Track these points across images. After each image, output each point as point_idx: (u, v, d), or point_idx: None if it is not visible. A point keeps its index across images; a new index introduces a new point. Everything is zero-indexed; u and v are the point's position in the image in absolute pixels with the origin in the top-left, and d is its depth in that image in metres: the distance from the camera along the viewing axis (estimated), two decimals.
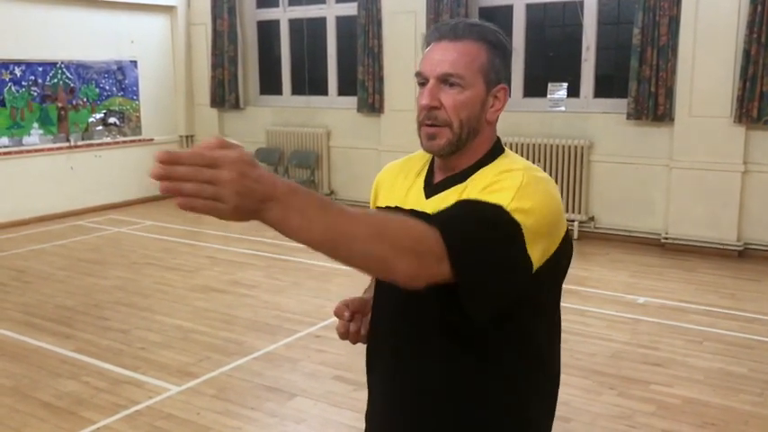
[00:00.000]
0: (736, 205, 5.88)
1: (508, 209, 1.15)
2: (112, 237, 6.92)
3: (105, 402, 3.39)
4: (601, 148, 6.45)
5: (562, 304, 1.39)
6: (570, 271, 1.33)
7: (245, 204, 0.88)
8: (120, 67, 8.32)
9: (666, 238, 6.21)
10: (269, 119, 8.49)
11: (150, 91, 8.66)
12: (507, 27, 6.72)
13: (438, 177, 1.34)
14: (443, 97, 1.26)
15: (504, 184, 1.20)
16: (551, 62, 7.05)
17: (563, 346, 1.41)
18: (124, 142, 8.42)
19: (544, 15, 7.02)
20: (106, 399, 3.43)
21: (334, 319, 1.42)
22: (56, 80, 7.68)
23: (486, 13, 7.00)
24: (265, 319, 4.53)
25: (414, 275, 1.06)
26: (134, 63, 8.45)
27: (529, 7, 6.85)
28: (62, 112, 7.78)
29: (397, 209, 1.34)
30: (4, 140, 7.29)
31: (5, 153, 7.28)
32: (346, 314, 1.38)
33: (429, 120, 1.28)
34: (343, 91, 8.09)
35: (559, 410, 1.43)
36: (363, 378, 1.50)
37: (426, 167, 1.38)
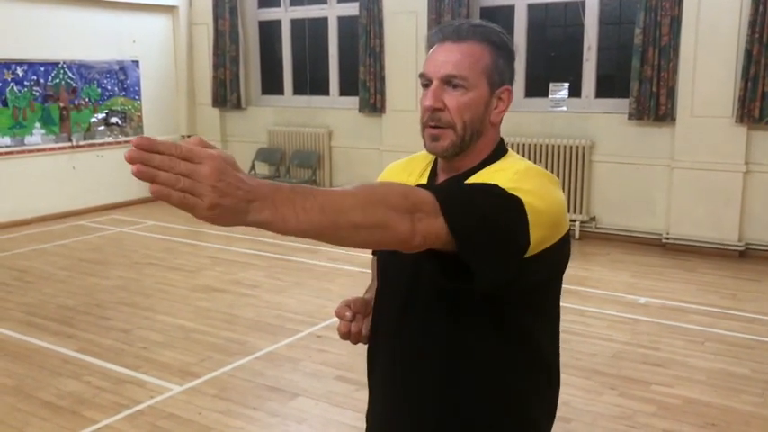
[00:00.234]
0: (738, 205, 5.88)
1: (505, 187, 1.14)
2: (114, 237, 6.93)
3: (107, 402, 3.40)
4: (602, 149, 6.45)
5: (562, 304, 1.40)
6: (571, 271, 1.34)
7: (226, 203, 0.85)
8: (122, 67, 8.33)
9: (667, 239, 6.21)
10: (270, 119, 8.50)
11: (152, 91, 8.67)
12: (509, 27, 6.72)
13: (441, 178, 1.35)
14: (447, 99, 1.26)
15: (502, 172, 1.21)
16: (553, 62, 7.05)
17: (563, 346, 1.42)
18: (126, 142, 8.42)
19: (546, 15, 7.02)
20: (108, 398, 3.44)
21: (336, 320, 1.42)
22: (58, 80, 7.69)
23: (488, 13, 7.00)
24: (267, 319, 4.54)
25: (412, 232, 1.02)
26: (136, 63, 8.46)
27: (530, 7, 6.85)
28: (64, 112, 7.79)
29: None
30: (7, 140, 7.30)
31: (8, 153, 7.30)
32: (348, 314, 1.39)
33: (432, 121, 1.28)
34: (344, 91, 8.09)
35: (560, 411, 1.43)
36: (365, 378, 1.51)
37: (429, 168, 1.39)
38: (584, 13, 6.52)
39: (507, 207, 1.12)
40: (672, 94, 6.02)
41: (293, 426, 3.21)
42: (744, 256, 5.90)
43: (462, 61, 1.25)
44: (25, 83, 7.41)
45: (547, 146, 6.56)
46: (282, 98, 8.59)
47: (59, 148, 7.75)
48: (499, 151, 1.33)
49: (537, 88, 6.77)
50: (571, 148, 6.49)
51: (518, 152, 6.86)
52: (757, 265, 5.70)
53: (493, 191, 1.14)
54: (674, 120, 6.06)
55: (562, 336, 1.41)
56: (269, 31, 8.71)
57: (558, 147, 6.52)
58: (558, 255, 1.25)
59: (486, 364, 1.28)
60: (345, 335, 1.40)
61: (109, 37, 8.11)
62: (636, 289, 5.09)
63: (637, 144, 6.30)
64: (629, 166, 6.35)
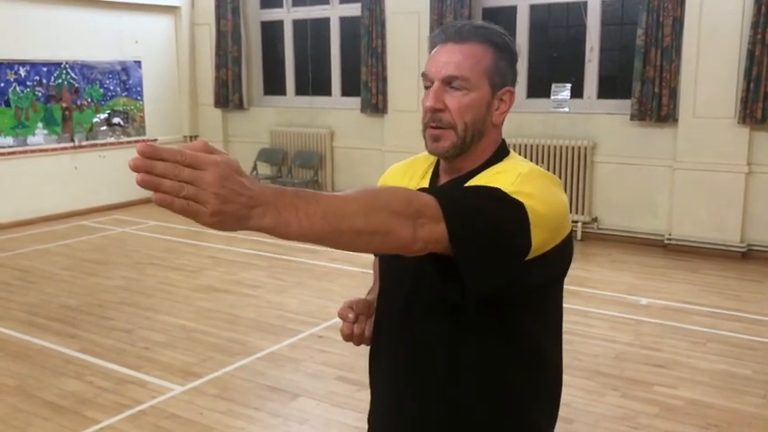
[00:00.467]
0: (740, 206, 5.87)
1: (507, 191, 1.15)
2: (116, 237, 6.94)
3: (109, 402, 3.40)
4: (604, 149, 6.45)
5: (564, 305, 1.40)
6: (573, 272, 1.34)
7: (229, 210, 0.85)
8: (125, 68, 8.34)
9: (670, 239, 6.20)
10: (273, 119, 8.50)
11: (154, 91, 8.67)
12: (511, 28, 6.71)
13: (443, 180, 1.35)
14: (448, 100, 1.26)
15: (504, 174, 1.21)
16: (555, 63, 7.05)
17: (566, 347, 1.41)
18: (128, 142, 8.44)
19: (548, 16, 7.01)
20: (110, 398, 3.44)
21: (338, 320, 1.42)
22: (60, 80, 7.70)
23: (490, 13, 7.00)
24: (268, 320, 4.54)
25: (413, 238, 1.02)
26: (138, 63, 8.47)
27: (533, 8, 6.85)
28: (66, 113, 7.80)
29: None
30: (9, 140, 7.31)
31: (10, 153, 7.31)
32: (350, 316, 1.38)
33: (434, 122, 1.28)
34: (346, 91, 8.09)
35: (562, 411, 1.43)
36: (366, 379, 1.50)
37: (431, 169, 1.39)
38: (586, 14, 6.52)
39: (509, 212, 1.12)
40: (674, 94, 6.01)
41: (294, 426, 3.21)
42: (746, 257, 5.89)
43: (464, 62, 1.25)
44: (28, 83, 7.42)
45: (549, 146, 6.56)
46: (284, 98, 8.60)
47: (62, 149, 7.76)
48: (501, 152, 1.33)
49: (539, 89, 6.77)
50: (573, 148, 6.48)
51: (520, 153, 6.86)
52: (760, 266, 5.69)
53: (495, 195, 1.14)
54: (676, 120, 6.05)
55: (564, 337, 1.40)
56: (271, 32, 8.71)
57: (561, 147, 6.52)
58: (559, 257, 1.25)
59: (487, 365, 1.28)
60: (348, 336, 1.40)
61: (111, 37, 8.12)
62: (638, 290, 5.08)
63: (639, 145, 6.29)
64: (631, 166, 6.34)
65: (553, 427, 1.39)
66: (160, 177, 0.83)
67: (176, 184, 0.83)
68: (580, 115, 6.56)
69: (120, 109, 8.34)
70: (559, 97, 6.64)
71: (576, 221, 6.46)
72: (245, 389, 3.56)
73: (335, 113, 8.06)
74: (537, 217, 1.14)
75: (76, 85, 7.86)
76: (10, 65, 7.25)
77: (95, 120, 8.09)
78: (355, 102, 7.80)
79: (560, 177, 6.42)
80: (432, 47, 1.32)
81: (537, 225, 1.14)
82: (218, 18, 8.51)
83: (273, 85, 8.74)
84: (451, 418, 1.30)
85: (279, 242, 6.13)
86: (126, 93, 8.38)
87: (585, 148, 6.44)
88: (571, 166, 6.50)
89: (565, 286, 1.38)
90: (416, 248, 1.04)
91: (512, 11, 6.88)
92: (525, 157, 1.39)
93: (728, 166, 5.86)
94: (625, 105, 6.33)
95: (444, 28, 1.31)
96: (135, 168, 0.83)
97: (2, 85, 7.21)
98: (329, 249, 6.27)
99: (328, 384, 3.59)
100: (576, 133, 6.53)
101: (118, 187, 8.25)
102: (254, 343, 4.15)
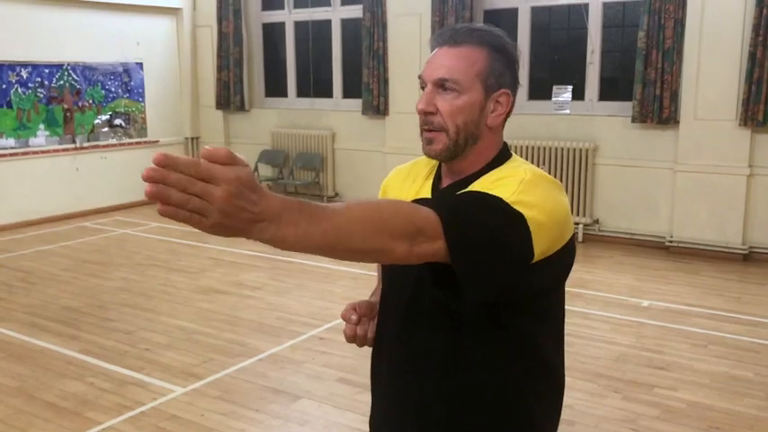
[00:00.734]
0: (742, 209, 5.86)
1: (508, 201, 1.15)
2: (117, 238, 6.94)
3: (110, 403, 3.40)
4: (605, 151, 6.45)
5: (566, 307, 1.40)
6: (574, 274, 1.34)
7: (230, 224, 0.86)
8: (126, 69, 8.35)
9: (671, 242, 6.20)
10: (274, 121, 8.51)
11: (156, 93, 8.68)
12: (512, 30, 6.72)
13: (445, 182, 1.35)
14: (440, 102, 1.27)
15: (506, 181, 1.20)
16: (556, 65, 7.05)
17: (567, 349, 1.41)
18: (129, 144, 8.44)
19: (549, 18, 7.02)
20: (111, 400, 3.44)
21: (339, 321, 1.43)
22: (62, 82, 7.71)
23: (491, 15, 7.00)
24: (269, 321, 4.54)
25: (408, 253, 1.05)
26: (140, 65, 8.48)
27: (534, 10, 6.85)
28: (68, 114, 7.81)
29: None
30: (11, 142, 7.32)
31: (12, 154, 7.31)
32: (353, 317, 1.38)
33: (426, 125, 1.29)
34: (347, 93, 8.10)
35: (563, 414, 1.43)
36: (367, 380, 1.51)
37: (434, 172, 1.39)
38: (587, 16, 6.52)
39: (510, 225, 1.13)
40: (675, 97, 6.01)
41: (296, 428, 3.21)
42: (747, 259, 5.89)
43: (455, 65, 1.26)
44: (29, 84, 7.43)
45: (550, 148, 6.56)
46: (286, 100, 8.60)
47: (63, 150, 7.77)
48: (503, 156, 1.33)
49: (540, 91, 6.77)
50: (574, 150, 6.48)
51: (521, 155, 6.85)
52: (761, 268, 5.69)
53: (496, 206, 1.14)
54: (677, 123, 6.05)
55: (566, 339, 1.40)
56: (272, 34, 8.72)
57: (562, 149, 6.52)
58: (560, 261, 1.26)
59: (488, 369, 1.28)
60: (351, 338, 1.40)
61: (113, 39, 8.13)
62: (639, 292, 5.08)
63: (640, 147, 6.29)
64: (632, 168, 6.34)
65: (555, 430, 1.39)
66: (171, 187, 0.82)
67: (184, 196, 0.83)
68: (581, 117, 6.56)
69: (122, 110, 8.35)
70: (561, 99, 6.64)
71: (578, 223, 6.45)
72: (246, 390, 3.56)
73: (337, 115, 8.07)
74: (538, 227, 1.15)
75: (78, 86, 7.87)
76: (12, 66, 7.26)
77: (97, 121, 8.10)
78: (356, 104, 7.80)
79: (561, 179, 6.42)
80: (431, 50, 1.33)
81: (538, 235, 1.15)
82: (220, 20, 8.52)
83: (275, 87, 8.75)
84: (453, 420, 1.30)
85: None
86: (127, 94, 8.39)
87: (587, 150, 6.44)
88: (572, 168, 6.50)
89: (566, 288, 1.37)
90: (411, 261, 1.07)
91: (513, 13, 6.88)
92: (526, 159, 1.39)
93: (730, 168, 5.86)
94: (626, 107, 6.33)
95: (442, 31, 1.31)
96: (148, 179, 0.82)
97: (4, 86, 7.22)
98: None
99: (329, 386, 3.59)
100: (577, 135, 6.53)
101: (119, 188, 8.26)
102: (255, 344, 4.15)
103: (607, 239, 6.51)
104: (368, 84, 7.53)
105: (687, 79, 5.95)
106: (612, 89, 6.66)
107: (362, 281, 5.01)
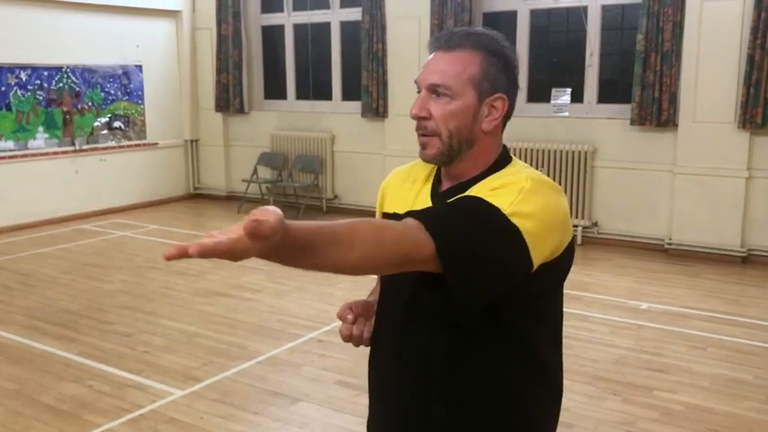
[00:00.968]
0: (740, 211, 5.87)
1: (506, 212, 1.16)
2: (117, 240, 6.94)
3: (109, 406, 3.40)
4: (604, 154, 6.45)
5: (565, 310, 1.40)
6: (573, 276, 1.34)
7: (234, 259, 0.93)
8: (126, 72, 8.35)
9: (670, 244, 6.20)
10: (273, 123, 8.51)
11: (155, 95, 8.69)
12: (511, 32, 6.73)
13: (445, 185, 1.35)
14: (432, 107, 1.28)
15: (506, 189, 1.20)
16: (555, 67, 7.06)
17: (566, 351, 1.42)
18: (129, 146, 8.45)
19: (548, 21, 7.03)
20: (110, 402, 3.44)
21: (338, 324, 1.43)
22: (61, 84, 7.72)
23: (490, 18, 7.01)
24: (269, 324, 4.54)
25: (397, 269, 1.13)
26: (139, 67, 8.49)
27: (533, 13, 6.86)
28: (67, 116, 7.81)
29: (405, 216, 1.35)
30: (10, 144, 7.32)
31: (11, 157, 7.31)
32: (350, 317, 1.39)
33: (419, 129, 1.30)
34: (347, 96, 8.11)
35: (562, 416, 1.43)
36: (366, 383, 1.50)
37: (433, 174, 1.39)
38: (586, 19, 6.53)
39: (505, 241, 1.15)
40: (674, 99, 6.02)
41: (294, 430, 3.21)
42: (746, 261, 5.89)
43: (448, 70, 1.26)
44: (29, 87, 7.43)
45: (549, 151, 6.56)
46: (285, 103, 8.61)
47: (62, 152, 7.77)
48: (503, 160, 1.33)
49: (539, 93, 6.78)
50: (573, 153, 6.49)
51: (520, 158, 6.85)
52: (760, 270, 5.69)
53: (492, 221, 1.15)
54: (676, 125, 6.06)
55: (564, 341, 1.41)
56: (272, 36, 8.73)
57: (561, 152, 6.53)
58: (560, 265, 1.27)
59: (488, 370, 1.28)
60: (347, 337, 1.40)
61: (112, 41, 8.13)
62: (638, 294, 5.08)
63: (639, 149, 6.30)
64: (631, 171, 6.35)
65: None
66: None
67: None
68: (580, 120, 6.57)
69: (121, 113, 8.36)
70: (560, 102, 6.64)
71: (577, 226, 6.46)
72: (246, 393, 3.56)
73: (336, 118, 8.07)
74: (536, 238, 1.17)
75: (77, 89, 7.88)
76: (11, 69, 7.27)
77: (96, 124, 8.10)
78: (356, 106, 7.81)
79: (560, 182, 6.43)
80: (429, 53, 1.34)
81: (536, 245, 1.17)
82: (219, 22, 8.52)
83: (274, 90, 8.75)
84: (452, 421, 1.30)
85: None
86: (127, 97, 8.40)
87: (586, 153, 6.45)
88: (571, 170, 6.51)
89: (565, 291, 1.38)
90: (400, 272, 1.13)
91: (512, 16, 6.89)
92: (525, 162, 1.39)
93: (729, 170, 5.86)
94: (625, 110, 6.34)
95: (439, 35, 1.32)
96: (171, 259, 0.89)
97: (3, 88, 7.22)
98: None
99: (328, 389, 3.59)
100: (576, 138, 6.53)
101: (118, 191, 8.27)
102: (255, 347, 4.15)
103: (606, 242, 6.51)
104: (367, 86, 7.54)
105: (686, 82, 5.96)
106: (611, 92, 6.67)
107: (362, 284, 4.99)
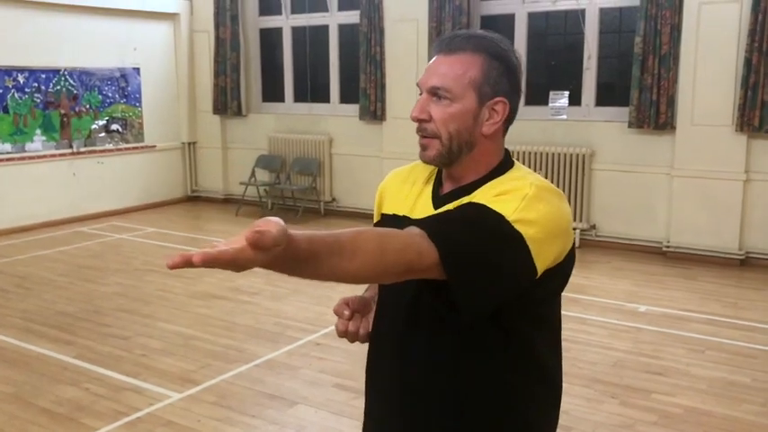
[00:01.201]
0: (738, 214, 5.88)
1: (510, 219, 1.16)
2: (114, 243, 6.93)
3: (106, 409, 3.39)
4: (602, 157, 6.46)
5: (563, 313, 1.40)
6: (572, 279, 1.34)
7: (236, 270, 0.92)
8: (123, 74, 8.35)
9: (668, 247, 6.20)
10: (271, 126, 8.51)
11: (153, 98, 8.68)
12: (509, 35, 6.73)
13: (446, 187, 1.35)
14: (433, 110, 1.28)
15: (510, 196, 1.20)
16: (553, 70, 7.07)
17: (564, 354, 1.41)
18: (126, 149, 8.44)
19: (546, 24, 7.03)
20: (107, 405, 3.43)
21: (335, 327, 1.42)
22: (59, 87, 7.71)
23: (488, 21, 7.02)
24: (266, 327, 4.53)
25: (398, 279, 1.12)
26: (137, 70, 8.48)
27: (531, 16, 6.87)
28: (65, 119, 7.80)
29: (405, 219, 1.35)
30: (7, 147, 7.30)
31: (8, 159, 7.30)
32: (346, 313, 1.38)
33: (420, 131, 1.30)
34: (345, 98, 8.11)
35: (560, 419, 1.43)
36: (363, 386, 1.50)
37: (434, 176, 1.39)
38: (584, 22, 6.54)
39: (509, 249, 1.15)
40: (672, 102, 6.03)
41: None
42: (744, 264, 5.90)
43: (448, 73, 1.26)
44: (26, 90, 7.42)
45: (547, 154, 6.57)
46: (283, 105, 8.61)
47: (60, 155, 7.76)
48: (505, 164, 1.33)
49: (537, 96, 6.78)
50: (571, 156, 6.49)
51: (518, 160, 6.85)
52: (758, 273, 5.70)
53: (495, 229, 1.15)
54: (674, 128, 6.07)
55: (563, 344, 1.40)
56: (270, 39, 8.73)
57: (559, 155, 6.53)
58: (562, 272, 1.27)
59: (489, 372, 1.28)
60: (343, 333, 1.39)
61: (110, 44, 8.13)
62: (637, 297, 5.08)
63: (637, 152, 6.30)
64: (629, 174, 6.35)
65: None
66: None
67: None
68: (578, 123, 6.57)
69: (119, 115, 8.35)
70: (557, 105, 6.65)
71: (575, 229, 6.45)
72: (243, 396, 3.54)
73: (334, 120, 8.07)
74: (540, 245, 1.17)
75: (75, 91, 7.87)
76: (8, 71, 7.26)
77: (94, 126, 8.09)
78: (354, 109, 7.81)
79: (558, 185, 6.43)
80: (430, 57, 1.34)
81: (539, 253, 1.17)
82: (217, 25, 8.52)
83: (272, 92, 8.75)
84: (452, 425, 1.29)
85: None
86: (124, 99, 8.39)
87: (583, 156, 6.45)
88: (569, 173, 6.51)
89: (563, 294, 1.38)
90: (405, 279, 1.13)
91: (510, 19, 6.89)
92: (524, 164, 1.39)
93: (726, 173, 5.87)
94: (623, 113, 6.34)
95: (441, 38, 1.32)
96: (174, 268, 0.88)
97: (0, 91, 7.21)
98: None
99: (326, 392, 3.58)
100: (574, 141, 6.54)
101: (116, 194, 8.26)
102: (252, 350, 4.14)
103: (604, 245, 6.51)
104: (365, 89, 7.54)
105: (683, 85, 5.96)
106: (609, 94, 6.68)
107: (361, 286, 5.00)
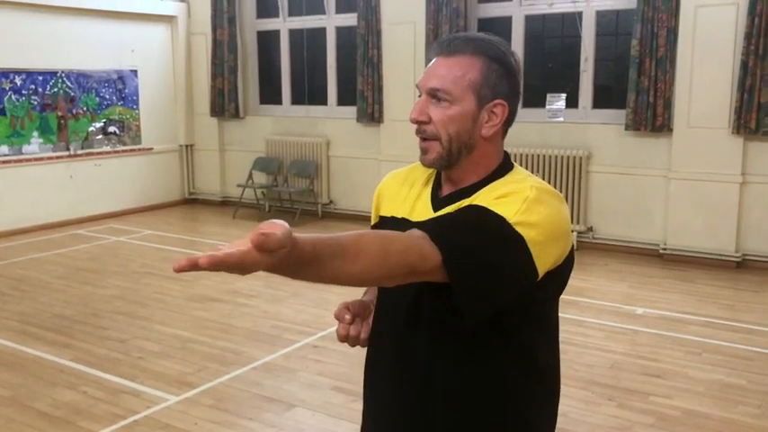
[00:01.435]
0: (735, 216, 5.89)
1: (511, 221, 1.16)
2: (111, 246, 6.92)
3: (103, 412, 3.38)
4: (599, 159, 6.47)
5: (561, 315, 1.40)
6: (569, 281, 1.34)
7: (242, 272, 0.92)
8: (121, 77, 8.34)
9: (665, 249, 6.21)
10: (269, 128, 8.51)
11: (150, 100, 8.67)
12: (506, 38, 6.73)
13: (445, 189, 1.35)
14: (432, 112, 1.28)
15: (511, 198, 1.21)
16: (550, 73, 7.08)
17: (562, 357, 1.42)
18: (124, 151, 8.43)
19: (543, 26, 7.05)
20: (104, 408, 3.42)
21: (333, 330, 1.42)
22: (56, 89, 7.70)
23: (486, 23, 7.03)
24: (264, 329, 4.53)
25: (402, 282, 1.12)
26: (134, 72, 8.48)
27: (528, 18, 6.88)
28: (62, 121, 7.79)
29: (404, 221, 1.35)
30: (4, 149, 7.29)
31: (5, 162, 7.29)
32: (347, 317, 1.38)
33: (419, 134, 1.30)
34: (342, 101, 8.11)
35: (558, 422, 1.43)
36: (362, 389, 1.50)
37: (433, 178, 1.39)
38: (581, 25, 6.56)
39: (511, 251, 1.16)
40: (669, 104, 6.04)
41: None
42: (741, 266, 5.91)
43: (447, 75, 1.26)
44: (23, 92, 7.42)
45: (544, 156, 6.58)
46: (281, 108, 8.61)
47: (57, 157, 7.75)
48: (505, 167, 1.33)
49: (534, 99, 6.79)
50: (568, 158, 6.50)
51: (515, 162, 6.84)
52: (755, 275, 5.71)
53: (497, 231, 1.16)
54: (670, 130, 6.08)
55: (560, 346, 1.41)
56: (267, 41, 8.73)
57: (556, 157, 6.54)
58: (561, 274, 1.28)
59: (489, 374, 1.28)
60: (344, 337, 1.39)
61: (108, 46, 8.12)
62: (634, 300, 5.09)
63: (634, 154, 6.31)
64: (626, 176, 6.36)
65: None
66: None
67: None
68: (575, 125, 6.58)
69: (116, 118, 8.34)
70: (554, 107, 6.66)
71: (572, 231, 6.44)
72: (240, 399, 3.54)
73: (331, 123, 8.07)
74: (541, 247, 1.17)
75: (72, 93, 7.86)
76: (6, 73, 7.25)
77: (91, 129, 8.08)
78: (351, 111, 7.81)
79: (556, 187, 6.36)
80: (428, 60, 1.34)
81: (540, 255, 1.18)
82: (215, 27, 8.52)
83: (269, 95, 8.75)
84: (449, 423, 1.30)
85: None
86: (122, 102, 8.38)
87: (581, 158, 6.46)
88: (566, 175, 6.52)
89: (561, 296, 1.38)
90: (407, 282, 1.13)
91: (507, 21, 6.91)
92: (520, 166, 1.39)
93: (723, 175, 5.88)
94: (620, 115, 6.36)
95: (441, 40, 1.32)
96: (180, 270, 0.87)
97: None
98: None
99: (324, 395, 3.58)
100: (571, 143, 6.55)
101: (113, 196, 8.25)
102: (250, 353, 4.13)
103: (601, 247, 6.52)
104: (362, 91, 7.54)
105: (680, 87, 5.98)
106: (606, 97, 6.69)
107: (359, 289, 5.00)
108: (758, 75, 5.58)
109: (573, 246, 1.31)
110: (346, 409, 3.39)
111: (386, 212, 1.44)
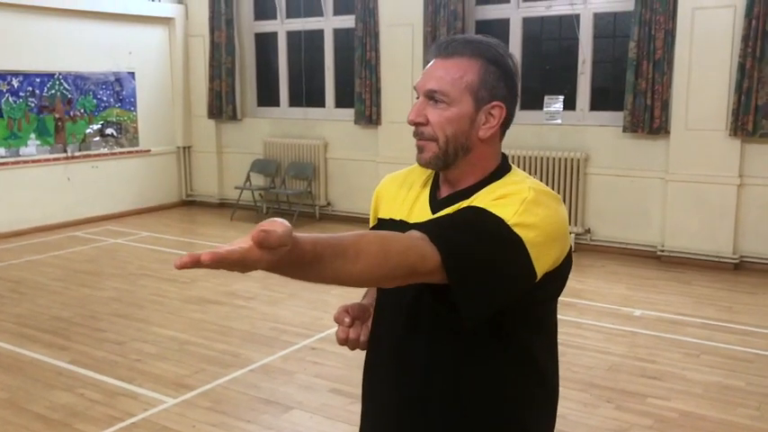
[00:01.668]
0: (732, 218, 5.89)
1: (509, 223, 1.16)
2: (109, 248, 6.90)
3: (100, 414, 3.37)
4: (597, 161, 6.47)
5: (559, 317, 1.40)
6: (567, 283, 1.34)
7: (243, 270, 0.92)
8: (118, 79, 8.33)
9: (663, 251, 6.22)
10: (266, 130, 8.51)
11: (148, 102, 8.67)
12: (504, 40, 6.74)
13: (443, 191, 1.35)
14: (430, 113, 1.28)
15: (509, 199, 1.21)
16: (547, 75, 7.09)
17: (560, 359, 1.42)
18: (121, 153, 8.42)
19: (541, 29, 7.06)
20: (101, 411, 3.41)
21: (331, 332, 1.42)
22: (53, 91, 7.69)
23: (483, 26, 7.04)
24: (262, 331, 4.52)
25: (402, 283, 1.12)
26: (132, 74, 8.47)
27: (525, 21, 6.89)
28: (59, 123, 7.78)
29: (403, 223, 1.35)
30: (1, 151, 7.28)
31: (2, 164, 7.28)
32: (347, 320, 1.38)
33: (417, 135, 1.31)
34: (340, 103, 8.11)
35: (557, 424, 1.43)
36: (360, 391, 1.49)
37: (431, 180, 1.39)
38: (578, 27, 6.57)
39: (509, 252, 1.16)
40: (666, 107, 6.05)
41: None
42: (739, 268, 5.91)
43: (445, 77, 1.27)
44: (21, 94, 7.41)
45: (542, 158, 6.58)
46: (278, 110, 8.60)
47: (54, 159, 7.74)
48: (503, 168, 1.33)
49: (532, 101, 6.80)
50: (566, 160, 6.51)
51: (513, 164, 6.85)
52: (752, 277, 5.71)
53: (496, 232, 1.16)
54: (668, 133, 6.09)
55: (559, 348, 1.41)
56: (265, 43, 8.73)
57: (553, 159, 6.54)
58: (560, 276, 1.28)
59: (488, 375, 1.28)
60: (344, 341, 1.39)
61: (105, 48, 8.12)
62: (631, 301, 5.09)
63: (631, 157, 6.32)
64: (623, 178, 6.37)
65: None
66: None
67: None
68: (573, 127, 6.59)
69: (114, 120, 8.33)
70: (552, 109, 6.67)
71: (570, 233, 6.45)
72: (238, 401, 3.54)
73: (329, 125, 8.07)
74: (539, 248, 1.18)
75: (70, 95, 7.85)
76: (3, 75, 7.24)
77: (88, 131, 8.07)
78: (349, 113, 7.81)
79: (553, 189, 6.39)
80: (426, 61, 1.34)
81: (539, 256, 1.18)
82: (212, 29, 8.52)
83: (267, 97, 8.75)
84: (448, 424, 1.29)
85: None
86: (119, 104, 8.38)
87: (578, 160, 6.46)
88: (564, 177, 6.52)
89: (559, 298, 1.38)
90: (407, 283, 1.12)
91: (505, 23, 6.92)
92: (518, 168, 1.39)
93: (720, 177, 5.89)
94: (617, 117, 6.36)
95: (439, 42, 1.32)
96: (182, 267, 0.85)
97: None
98: None
99: (322, 397, 3.57)
100: (568, 145, 6.55)
101: (110, 198, 8.23)
102: (247, 355, 4.13)
103: (599, 249, 6.52)
104: (360, 93, 7.54)
105: (678, 89, 5.99)
106: (604, 99, 6.70)
107: (356, 291, 4.99)
108: (755, 77, 5.59)
109: (571, 247, 1.31)
110: (344, 412, 3.38)
111: (384, 214, 1.44)
